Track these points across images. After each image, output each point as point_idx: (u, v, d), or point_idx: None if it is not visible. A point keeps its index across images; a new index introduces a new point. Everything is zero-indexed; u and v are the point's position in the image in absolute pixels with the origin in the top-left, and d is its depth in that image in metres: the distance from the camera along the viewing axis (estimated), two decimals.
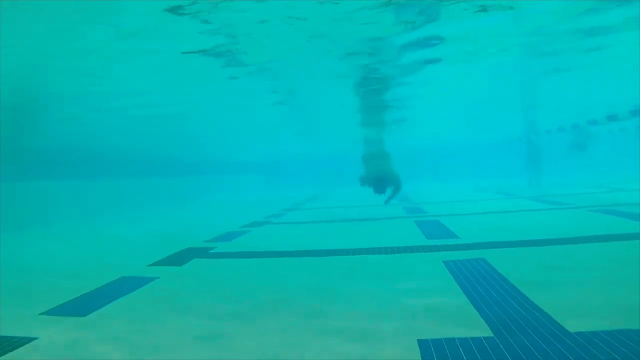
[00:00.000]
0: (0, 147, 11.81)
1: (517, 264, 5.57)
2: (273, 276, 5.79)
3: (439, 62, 9.23)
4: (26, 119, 11.67)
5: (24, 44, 6.56)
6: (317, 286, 5.10)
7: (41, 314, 4.51)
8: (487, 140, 31.56)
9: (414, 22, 6.69)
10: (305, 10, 5.96)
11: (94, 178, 16.47)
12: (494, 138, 30.33)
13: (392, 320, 3.83)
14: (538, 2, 6.36)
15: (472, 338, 3.37)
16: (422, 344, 3.31)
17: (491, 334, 3.42)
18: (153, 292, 5.24)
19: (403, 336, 3.47)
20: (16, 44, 6.49)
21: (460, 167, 33.25)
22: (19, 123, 11.92)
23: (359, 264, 6.22)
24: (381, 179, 11.63)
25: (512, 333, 3.42)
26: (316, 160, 35.04)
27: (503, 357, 3.03)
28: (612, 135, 25.84)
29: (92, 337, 3.80)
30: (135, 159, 19.60)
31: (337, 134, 21.78)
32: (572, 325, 3.45)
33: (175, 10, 5.63)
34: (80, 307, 4.71)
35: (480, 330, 3.52)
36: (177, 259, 7.15)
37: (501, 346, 3.20)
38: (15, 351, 3.56)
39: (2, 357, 3.44)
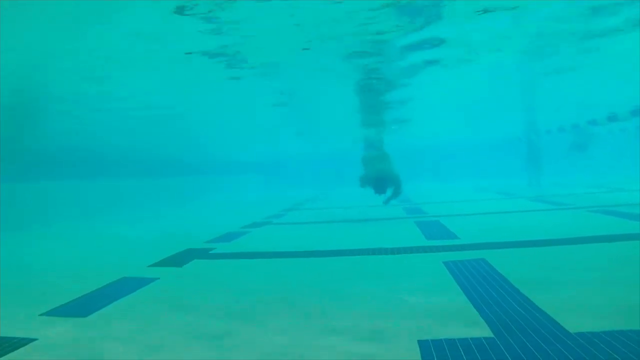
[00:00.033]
0: (0, 147, 11.81)
1: (517, 264, 5.57)
2: (273, 276, 5.79)
3: (439, 63, 9.23)
4: (26, 119, 11.67)
5: (24, 44, 6.57)
6: (317, 286, 5.10)
7: (41, 314, 4.50)
8: (487, 140, 31.55)
9: (415, 22, 6.70)
10: (306, 11, 5.97)
11: (94, 178, 16.47)
12: (494, 138, 30.31)
13: (392, 320, 3.83)
14: (538, 2, 6.37)
15: (472, 338, 3.37)
16: (422, 344, 3.31)
17: (491, 335, 3.42)
18: (154, 293, 5.24)
19: (403, 336, 3.48)
20: (16, 44, 6.49)
21: (461, 167, 33.22)
22: (19, 123, 11.92)
23: (359, 265, 6.21)
24: (381, 179, 11.60)
25: (512, 333, 3.42)
26: (316, 161, 35.04)
27: (503, 358, 3.03)
28: (612, 135, 25.84)
29: (93, 338, 3.80)
30: (136, 159, 19.61)
31: (337, 134, 21.78)
32: (572, 325, 3.45)
33: (179, 10, 5.64)
34: (81, 307, 4.71)
35: (481, 330, 3.52)
36: (178, 259, 7.15)
37: (501, 346, 3.20)
38: (16, 352, 3.55)
39: (2, 358, 3.43)
